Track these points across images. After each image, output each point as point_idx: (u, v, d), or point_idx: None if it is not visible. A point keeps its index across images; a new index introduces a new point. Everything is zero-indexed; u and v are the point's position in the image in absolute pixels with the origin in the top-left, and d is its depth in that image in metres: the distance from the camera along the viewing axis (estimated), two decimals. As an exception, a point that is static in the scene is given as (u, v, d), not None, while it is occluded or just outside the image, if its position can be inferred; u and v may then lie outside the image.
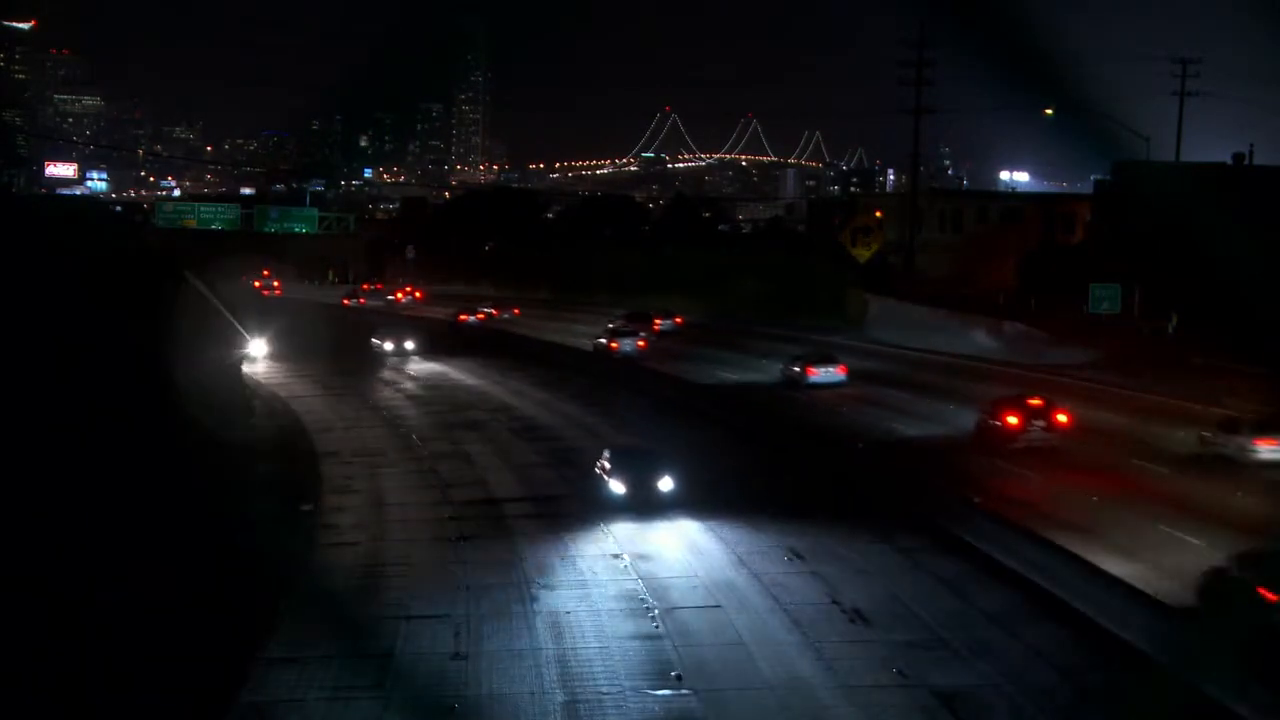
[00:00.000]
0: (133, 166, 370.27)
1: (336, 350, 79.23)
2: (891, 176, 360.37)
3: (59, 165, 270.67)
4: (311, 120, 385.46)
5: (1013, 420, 43.98)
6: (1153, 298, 68.11)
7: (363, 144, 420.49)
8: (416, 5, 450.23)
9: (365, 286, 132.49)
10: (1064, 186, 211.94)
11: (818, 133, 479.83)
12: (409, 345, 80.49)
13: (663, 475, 36.99)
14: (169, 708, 22.72)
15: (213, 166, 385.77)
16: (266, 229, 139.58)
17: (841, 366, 61.58)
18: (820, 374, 60.77)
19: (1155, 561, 29.10)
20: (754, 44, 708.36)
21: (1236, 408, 45.87)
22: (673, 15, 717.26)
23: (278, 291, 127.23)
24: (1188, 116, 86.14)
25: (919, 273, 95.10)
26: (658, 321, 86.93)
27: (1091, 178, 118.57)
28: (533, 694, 23.84)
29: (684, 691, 23.76)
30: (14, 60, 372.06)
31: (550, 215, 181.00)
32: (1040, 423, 44.00)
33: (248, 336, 74.88)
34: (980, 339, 72.28)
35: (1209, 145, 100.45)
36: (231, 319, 68.47)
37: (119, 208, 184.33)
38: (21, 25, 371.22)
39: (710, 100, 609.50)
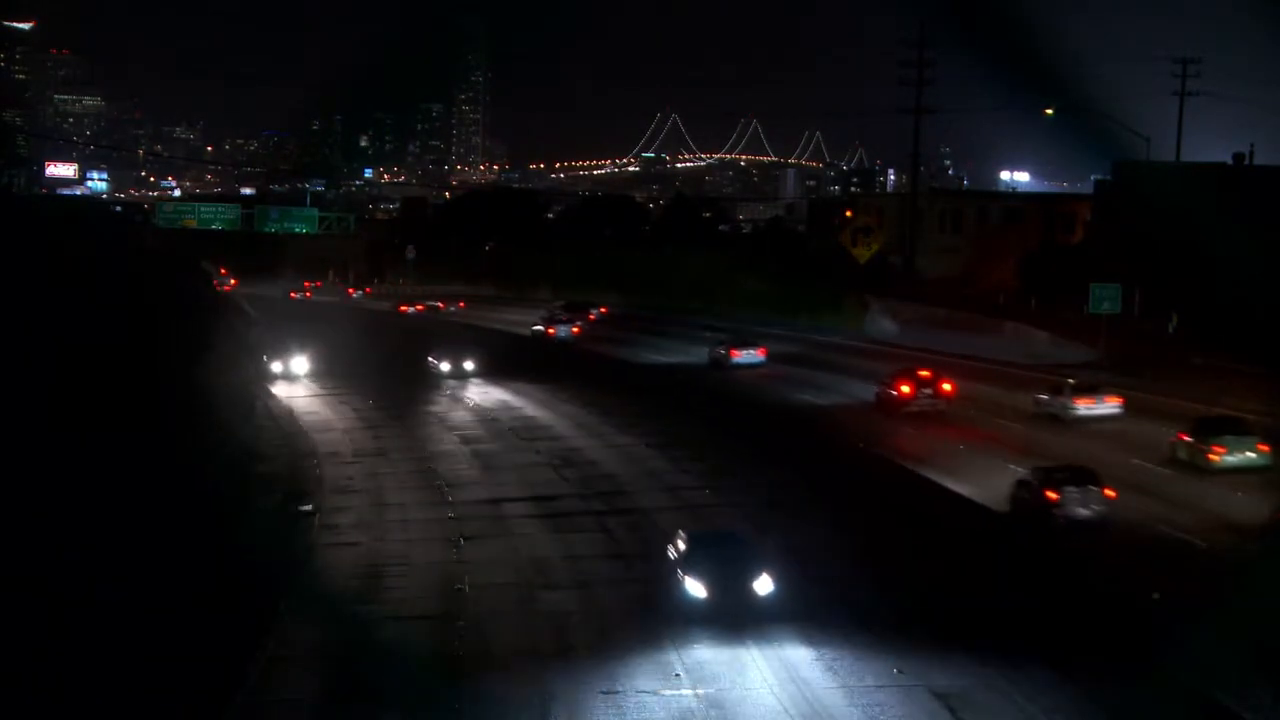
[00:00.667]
0: (133, 166, 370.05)
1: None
2: (891, 176, 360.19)
3: (59, 165, 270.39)
4: (311, 120, 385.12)
5: (905, 389, 52.63)
6: (1153, 298, 68.09)
7: (363, 144, 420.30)
8: (416, 5, 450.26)
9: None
10: (1064, 186, 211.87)
11: (818, 133, 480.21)
12: (468, 365, 68.64)
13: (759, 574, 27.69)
14: (168, 707, 22.72)
15: (213, 166, 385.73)
16: (266, 229, 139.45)
17: (761, 349, 69.23)
18: (743, 356, 68.36)
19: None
20: (754, 44, 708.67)
21: (1234, 407, 46.02)
22: (673, 15, 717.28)
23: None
24: (1188, 116, 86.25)
25: (919, 273, 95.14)
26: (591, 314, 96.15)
27: (1091, 178, 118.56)
28: None
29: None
30: (14, 60, 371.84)
31: (550, 215, 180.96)
32: (928, 391, 52.60)
33: (278, 351, 71.21)
34: (979, 339, 72.35)
35: (1209, 145, 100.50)
36: (248, 323, 66.96)
37: (119, 208, 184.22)
38: (21, 25, 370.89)
39: (710, 100, 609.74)
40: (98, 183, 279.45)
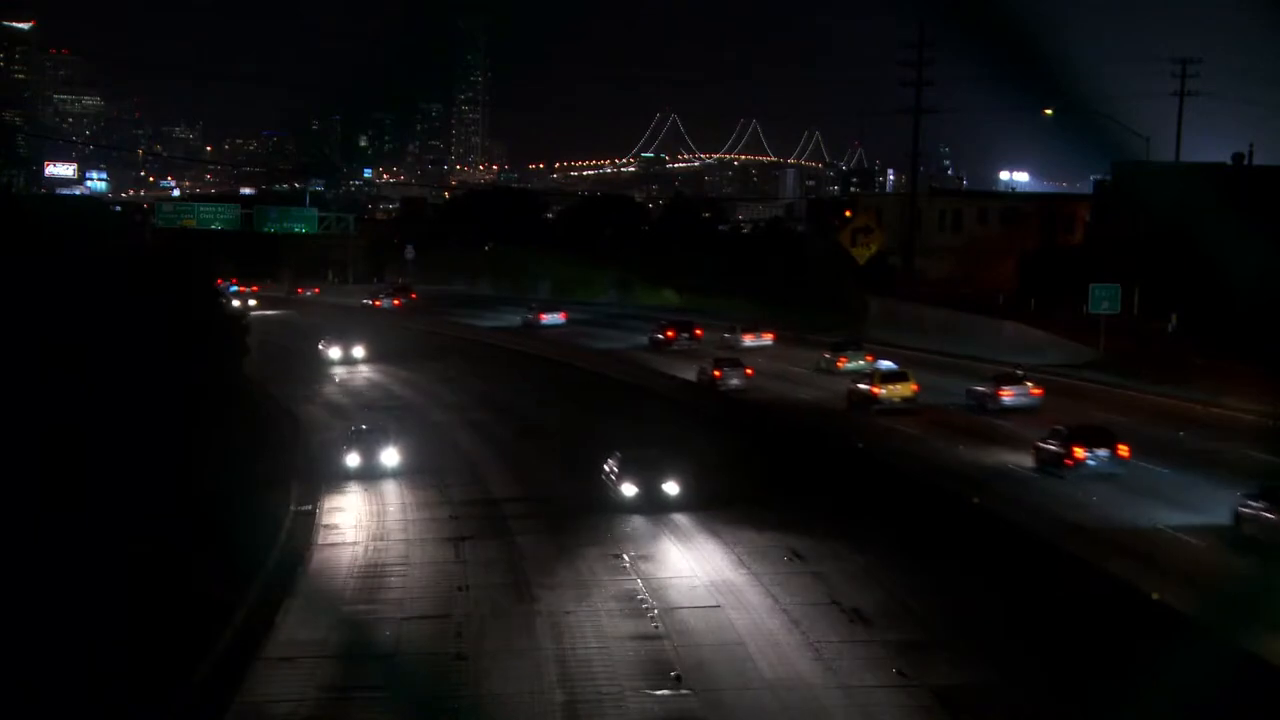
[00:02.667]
0: (132, 166, 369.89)
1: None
2: (891, 176, 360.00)
3: (59, 165, 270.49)
4: (311, 120, 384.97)
5: (670, 334, 79.26)
6: (1153, 298, 68.12)
7: (362, 144, 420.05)
8: (416, 5, 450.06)
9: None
10: (1064, 186, 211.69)
11: (818, 133, 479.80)
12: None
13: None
14: (168, 707, 22.71)
15: (212, 166, 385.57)
16: (266, 229, 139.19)
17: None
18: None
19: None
20: (754, 44, 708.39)
21: (1234, 406, 46.03)
22: (673, 15, 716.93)
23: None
24: (1188, 116, 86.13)
25: (919, 273, 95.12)
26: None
27: (1091, 178, 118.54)
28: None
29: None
30: (14, 60, 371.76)
31: (550, 215, 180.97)
32: (685, 335, 78.75)
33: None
34: (978, 339, 72.35)
35: (1209, 145, 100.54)
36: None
37: (118, 208, 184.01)
38: (21, 25, 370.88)
39: (710, 100, 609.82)
40: (97, 183, 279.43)
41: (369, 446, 44.09)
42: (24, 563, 23.89)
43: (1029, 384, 54.01)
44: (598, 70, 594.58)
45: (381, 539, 36.58)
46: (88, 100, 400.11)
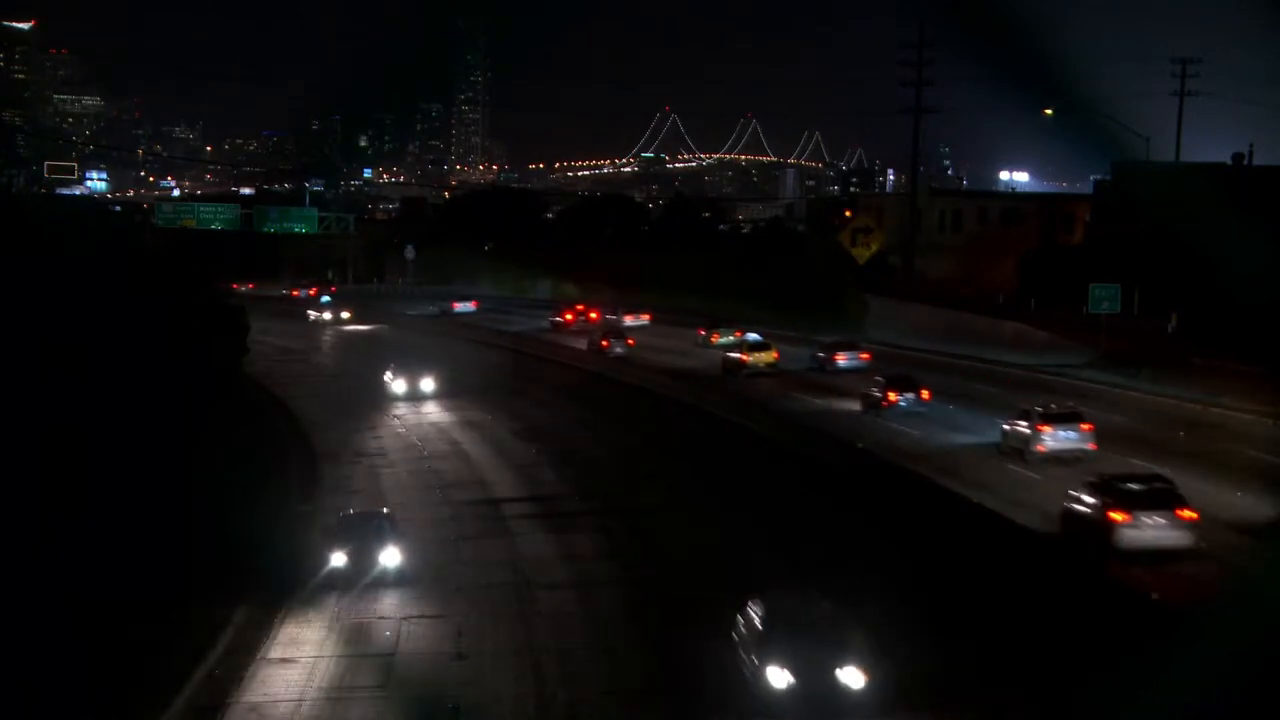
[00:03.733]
0: (132, 166, 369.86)
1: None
2: (891, 176, 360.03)
3: (59, 165, 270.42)
4: (311, 120, 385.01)
5: (568, 317, 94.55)
6: (1152, 298, 68.06)
7: (362, 144, 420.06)
8: (416, 5, 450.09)
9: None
10: (1064, 186, 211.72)
11: (817, 133, 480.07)
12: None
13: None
14: (168, 706, 22.71)
15: (212, 166, 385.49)
16: (266, 229, 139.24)
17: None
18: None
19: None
20: (754, 44, 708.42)
21: (1234, 406, 46.03)
22: (673, 15, 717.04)
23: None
24: (1188, 116, 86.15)
25: (919, 273, 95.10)
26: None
27: (1091, 178, 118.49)
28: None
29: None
30: (14, 60, 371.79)
31: (550, 215, 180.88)
32: (583, 318, 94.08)
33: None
34: (978, 339, 72.36)
35: (1209, 145, 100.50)
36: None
37: (118, 207, 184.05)
38: (21, 25, 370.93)
39: (710, 100, 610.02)
40: (97, 182, 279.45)
41: (362, 541, 31.22)
42: (24, 558, 23.89)
43: (858, 350, 67.60)
44: (598, 70, 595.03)
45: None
46: (88, 100, 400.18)
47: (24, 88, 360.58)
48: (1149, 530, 30.00)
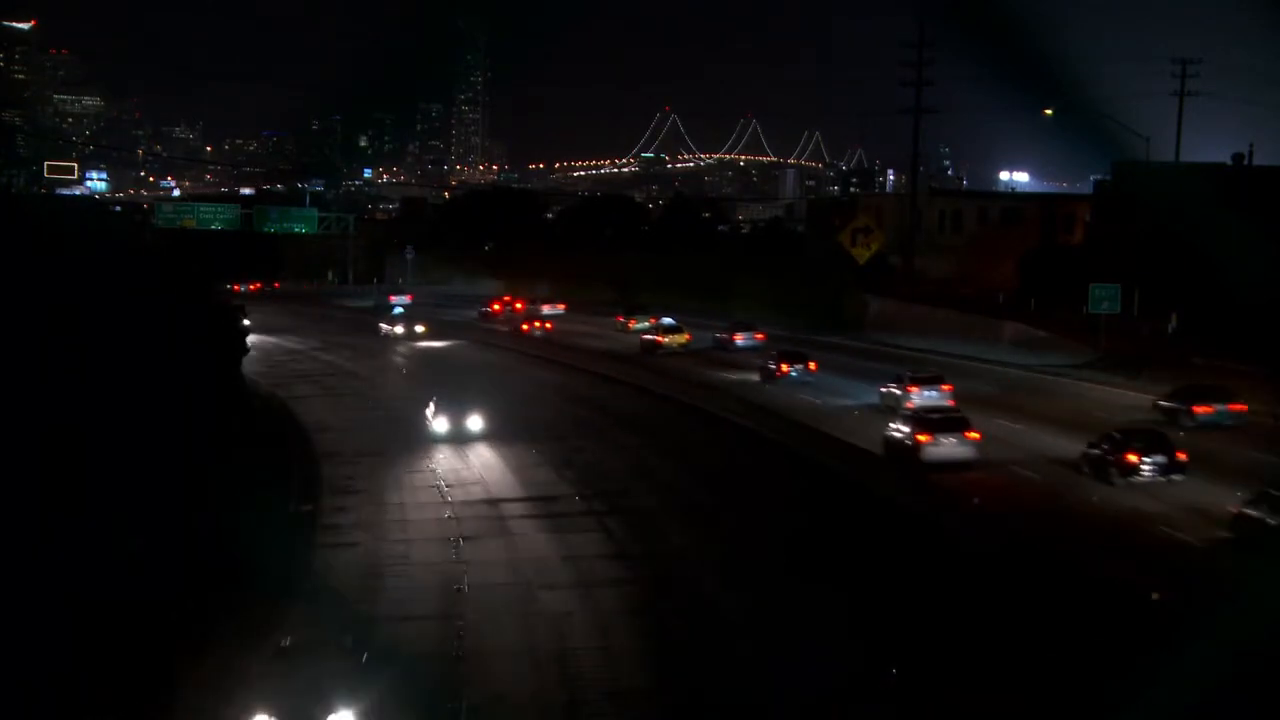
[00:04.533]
0: (133, 166, 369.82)
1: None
2: (891, 176, 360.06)
3: (59, 165, 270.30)
4: (311, 120, 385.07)
5: (496, 308, 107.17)
6: (1152, 298, 68.06)
7: (362, 144, 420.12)
8: (416, 5, 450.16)
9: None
10: (1064, 186, 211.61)
11: (817, 133, 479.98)
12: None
13: None
14: (168, 706, 22.71)
15: (212, 166, 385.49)
16: (266, 229, 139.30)
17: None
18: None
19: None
20: (754, 44, 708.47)
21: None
22: (673, 15, 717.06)
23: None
24: (1188, 116, 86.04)
25: (919, 273, 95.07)
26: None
27: (1091, 178, 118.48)
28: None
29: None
30: (14, 60, 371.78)
31: (550, 215, 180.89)
32: (509, 309, 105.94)
33: None
34: (978, 339, 72.36)
35: (1209, 145, 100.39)
36: None
37: (118, 208, 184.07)
38: (21, 25, 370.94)
39: (710, 100, 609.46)
40: (97, 182, 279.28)
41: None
42: (24, 557, 23.88)
43: (754, 331, 77.83)
44: (597, 70, 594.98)
45: None
46: (88, 100, 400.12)
47: (24, 88, 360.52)
48: (945, 447, 40.87)
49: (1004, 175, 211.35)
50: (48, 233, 39.96)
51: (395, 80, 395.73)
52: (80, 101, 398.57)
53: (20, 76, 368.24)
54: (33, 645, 21.95)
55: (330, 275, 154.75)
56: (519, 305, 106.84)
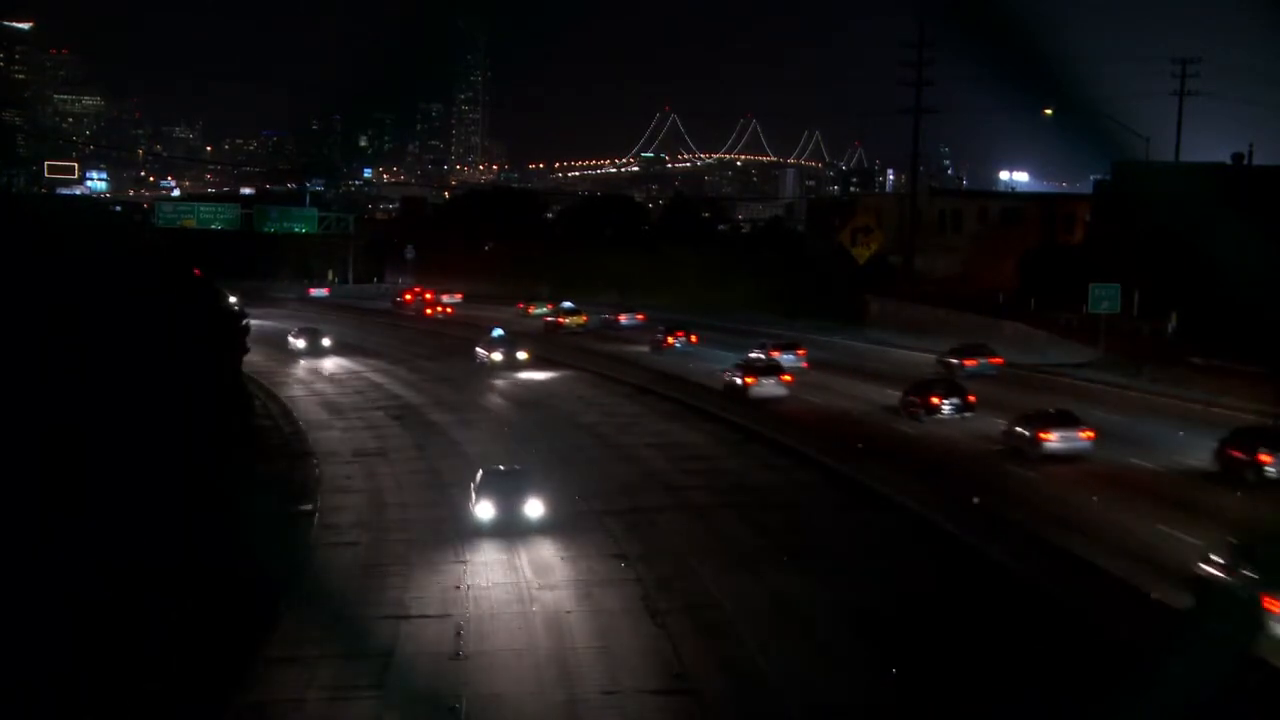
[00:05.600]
0: (133, 166, 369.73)
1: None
2: (891, 176, 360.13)
3: (59, 165, 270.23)
4: (311, 120, 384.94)
5: (409, 298, 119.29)
6: (1153, 298, 68.04)
7: (362, 144, 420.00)
8: (416, 5, 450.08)
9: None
10: (1064, 186, 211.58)
11: (817, 133, 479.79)
12: None
13: None
14: (168, 706, 22.72)
15: (213, 166, 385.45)
16: (266, 229, 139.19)
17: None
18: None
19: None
20: (754, 44, 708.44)
21: (1234, 407, 45.94)
22: (673, 15, 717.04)
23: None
24: (1188, 116, 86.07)
25: (919, 273, 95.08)
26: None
27: (1091, 178, 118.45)
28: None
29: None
30: (14, 60, 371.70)
31: (550, 215, 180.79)
32: (423, 299, 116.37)
33: None
34: (978, 339, 72.29)
35: (1209, 145, 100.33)
36: None
37: (118, 207, 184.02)
38: (21, 25, 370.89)
39: (710, 100, 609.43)
40: (97, 182, 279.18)
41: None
42: (23, 557, 23.87)
43: (635, 313, 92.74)
44: (597, 70, 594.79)
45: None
46: (88, 100, 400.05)
47: (24, 88, 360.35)
48: (765, 386, 57.14)
49: (1004, 175, 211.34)
50: (48, 233, 39.93)
51: (395, 80, 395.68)
52: (80, 101, 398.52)
53: (20, 76, 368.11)
54: (33, 645, 21.95)
55: (330, 275, 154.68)
56: (428, 295, 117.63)
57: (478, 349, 75.15)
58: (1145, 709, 19.87)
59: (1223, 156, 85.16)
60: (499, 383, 68.07)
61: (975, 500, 34.03)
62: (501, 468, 38.59)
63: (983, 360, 62.02)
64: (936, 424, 49.08)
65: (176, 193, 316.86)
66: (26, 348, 27.64)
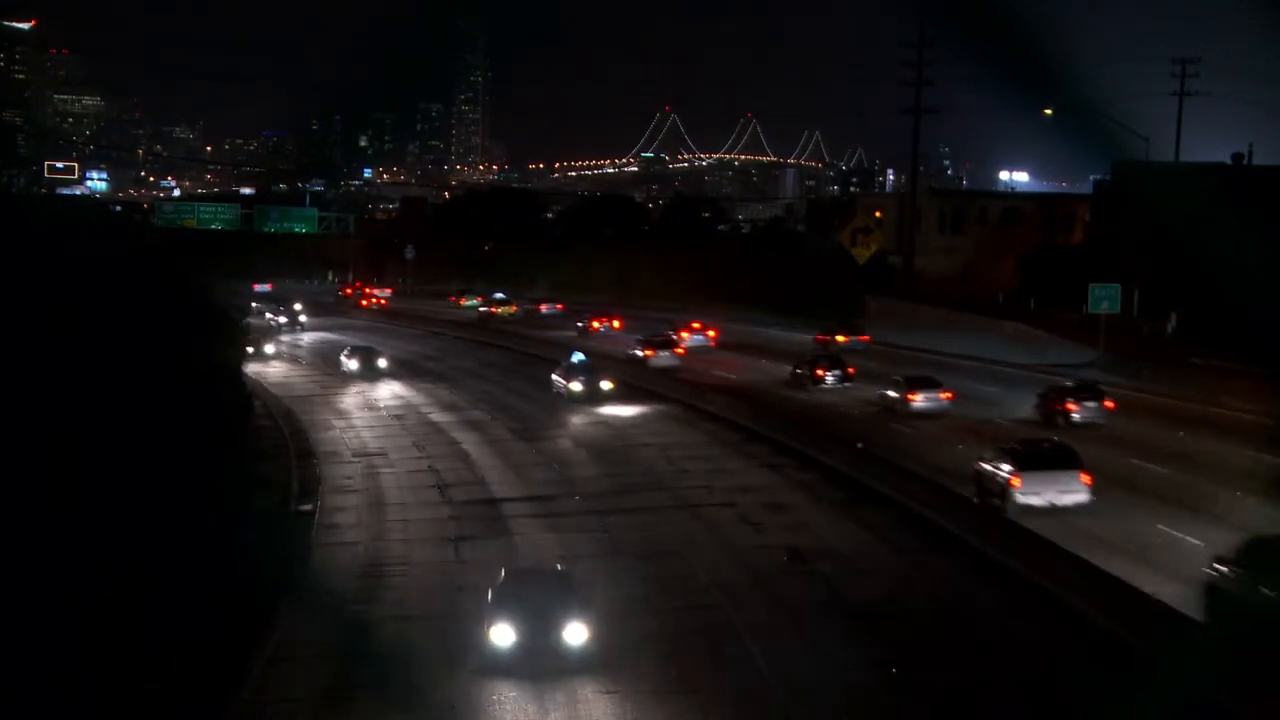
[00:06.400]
0: (133, 166, 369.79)
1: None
2: (891, 176, 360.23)
3: (59, 165, 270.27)
4: (311, 120, 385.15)
5: (350, 291, 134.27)
6: (1153, 298, 68.09)
7: (362, 144, 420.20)
8: (417, 5, 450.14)
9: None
10: (1064, 186, 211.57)
11: (817, 133, 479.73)
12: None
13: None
14: (168, 706, 22.70)
15: (213, 166, 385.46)
16: (266, 229, 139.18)
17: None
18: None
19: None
20: (754, 44, 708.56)
21: (1234, 407, 45.85)
22: (673, 15, 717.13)
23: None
24: (1188, 116, 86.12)
25: (919, 273, 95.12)
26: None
27: (1091, 178, 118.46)
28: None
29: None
30: (14, 60, 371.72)
31: (550, 215, 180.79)
32: (364, 293, 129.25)
33: None
34: (977, 339, 72.39)
35: (1209, 145, 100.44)
36: None
37: (118, 207, 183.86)
38: (21, 25, 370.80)
39: (710, 100, 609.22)
40: (97, 182, 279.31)
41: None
42: (22, 556, 23.87)
43: (555, 303, 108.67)
44: (597, 70, 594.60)
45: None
46: (88, 100, 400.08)
47: (24, 88, 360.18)
48: (661, 359, 68.20)
49: (1004, 175, 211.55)
50: (48, 233, 39.89)
51: (395, 80, 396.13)
52: (80, 101, 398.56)
53: (20, 76, 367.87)
54: (33, 645, 21.94)
55: (330, 275, 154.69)
56: (367, 290, 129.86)
57: (554, 376, 62.64)
58: None
59: (1223, 157, 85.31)
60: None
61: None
62: (529, 568, 28.83)
63: (853, 339, 76.04)
64: (822, 392, 58.50)
65: (176, 193, 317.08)
66: (27, 348, 27.62)
